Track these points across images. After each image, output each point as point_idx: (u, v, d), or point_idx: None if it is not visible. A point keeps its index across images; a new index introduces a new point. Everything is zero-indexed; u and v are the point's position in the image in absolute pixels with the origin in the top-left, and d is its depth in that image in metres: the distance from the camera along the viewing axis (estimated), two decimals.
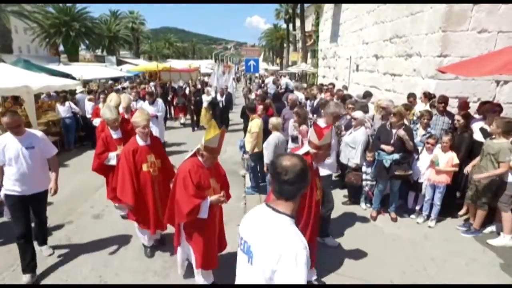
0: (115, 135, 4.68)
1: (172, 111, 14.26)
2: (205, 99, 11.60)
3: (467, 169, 4.71)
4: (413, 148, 4.77)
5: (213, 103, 11.52)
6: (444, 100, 5.73)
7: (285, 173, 1.53)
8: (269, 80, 17.75)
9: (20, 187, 3.52)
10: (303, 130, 5.58)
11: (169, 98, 13.32)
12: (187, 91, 13.21)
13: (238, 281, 1.72)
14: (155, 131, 7.67)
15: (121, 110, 6.05)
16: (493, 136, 4.37)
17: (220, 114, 11.56)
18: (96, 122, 6.45)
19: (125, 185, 3.73)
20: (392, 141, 4.70)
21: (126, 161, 3.75)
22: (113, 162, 4.52)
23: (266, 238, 1.50)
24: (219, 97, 11.67)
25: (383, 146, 4.75)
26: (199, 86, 14.50)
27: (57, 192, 3.79)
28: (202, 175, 3.14)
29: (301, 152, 3.03)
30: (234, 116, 12.18)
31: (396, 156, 4.67)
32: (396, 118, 4.66)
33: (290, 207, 1.58)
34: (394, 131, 4.71)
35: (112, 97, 5.75)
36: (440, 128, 5.56)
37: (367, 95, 7.97)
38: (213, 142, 3.06)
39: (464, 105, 5.87)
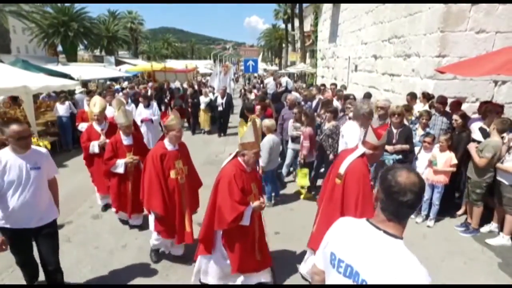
0: (126, 141, 4.46)
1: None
2: (203, 100, 11.21)
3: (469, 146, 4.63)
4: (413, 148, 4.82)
5: (211, 106, 11.09)
6: (443, 100, 5.76)
7: (403, 193, 1.33)
8: (269, 80, 17.76)
9: (23, 219, 2.84)
10: (306, 132, 5.57)
11: (166, 100, 12.77)
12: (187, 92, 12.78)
13: None
14: (150, 137, 7.62)
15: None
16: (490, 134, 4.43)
17: (219, 117, 11.11)
18: (82, 127, 6.22)
19: (154, 193, 3.53)
20: (394, 141, 4.72)
21: (154, 166, 3.52)
22: (120, 170, 4.36)
23: (388, 269, 1.32)
24: (219, 99, 10.98)
25: (386, 147, 4.78)
26: (196, 87, 13.91)
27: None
28: (245, 180, 3.03)
29: (357, 154, 2.98)
30: (234, 117, 11.98)
31: (398, 155, 4.70)
32: (399, 118, 4.71)
33: (401, 230, 1.41)
34: (395, 131, 4.75)
35: (96, 101, 5.26)
36: (439, 128, 5.58)
37: (367, 96, 8.00)
38: (248, 137, 2.97)
39: (455, 104, 5.93)
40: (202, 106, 11.15)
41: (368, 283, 1.35)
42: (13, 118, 8.12)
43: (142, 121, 7.58)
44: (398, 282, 1.27)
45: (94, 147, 5.01)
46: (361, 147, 3.02)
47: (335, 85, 10.09)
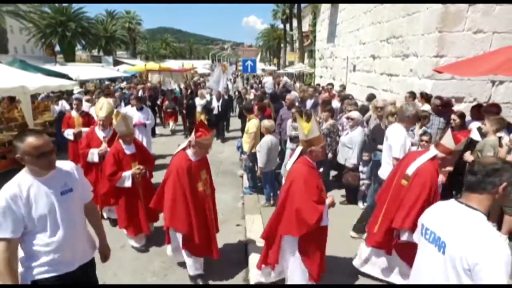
0: (128, 150, 4.08)
1: (162, 116, 12.46)
2: (199, 102, 10.32)
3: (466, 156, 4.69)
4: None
5: (207, 108, 10.21)
6: (445, 101, 5.81)
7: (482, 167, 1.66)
8: (267, 79, 17.73)
9: (60, 263, 2.10)
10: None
11: (158, 102, 11.80)
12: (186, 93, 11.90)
13: (422, 265, 1.83)
14: (144, 142, 6.88)
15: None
16: (485, 134, 4.44)
17: (215, 123, 10.12)
18: (68, 134, 5.94)
19: (178, 211, 3.26)
20: None
21: (180, 181, 3.23)
22: (127, 183, 3.96)
23: (464, 233, 1.59)
24: (214, 102, 10.15)
25: (381, 147, 4.79)
26: (192, 88, 13.20)
27: (108, 258, 2.67)
28: (316, 177, 2.91)
29: (427, 156, 2.93)
30: (234, 120, 11.78)
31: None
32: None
33: (482, 204, 1.66)
34: None
35: (103, 104, 4.72)
36: (437, 127, 5.61)
37: (371, 97, 7.97)
38: (314, 131, 2.85)
39: (447, 103, 6.01)
40: (199, 109, 10.29)
41: (447, 244, 1.63)
42: (21, 123, 8.09)
43: (134, 125, 6.70)
44: (477, 246, 1.51)
45: (94, 155, 4.57)
46: (433, 149, 2.95)
47: (332, 85, 10.05)
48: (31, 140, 1.93)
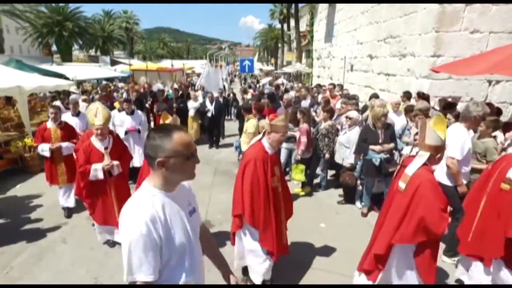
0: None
1: (151, 120, 10.44)
2: (192, 105, 9.23)
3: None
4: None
5: (200, 112, 9.30)
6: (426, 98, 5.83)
7: None
8: (265, 81, 17.67)
9: None
10: (303, 129, 5.60)
11: (147, 105, 10.17)
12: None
13: None
14: (137, 150, 6.17)
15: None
16: (479, 135, 4.45)
17: (209, 128, 9.29)
18: (43, 150, 4.85)
19: (258, 207, 3.01)
20: (380, 141, 4.84)
21: (257, 174, 2.98)
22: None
23: None
24: (208, 105, 9.11)
25: (373, 147, 4.84)
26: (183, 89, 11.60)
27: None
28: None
29: None
30: (229, 124, 11.16)
31: (386, 154, 4.81)
32: (385, 119, 4.86)
33: None
34: (379, 131, 4.86)
35: (98, 109, 3.89)
36: None
37: (374, 96, 7.93)
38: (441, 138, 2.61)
39: (444, 103, 6.02)
40: (191, 113, 9.17)
41: None
42: (17, 123, 7.97)
43: (126, 132, 6.17)
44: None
45: (98, 171, 3.81)
46: None
47: (334, 85, 9.80)
48: (181, 136, 1.47)
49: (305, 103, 8.42)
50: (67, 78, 11.50)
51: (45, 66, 14.44)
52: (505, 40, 6.81)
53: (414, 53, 7.94)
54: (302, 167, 5.61)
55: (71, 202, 5.11)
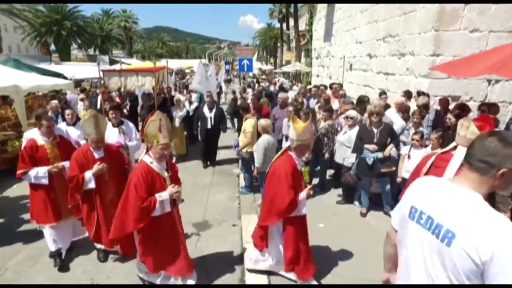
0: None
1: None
2: (178, 114, 7.69)
3: None
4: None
5: (187, 120, 7.85)
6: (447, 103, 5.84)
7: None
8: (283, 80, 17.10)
9: None
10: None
11: (125, 111, 8.66)
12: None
13: (414, 256, 1.51)
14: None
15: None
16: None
17: (206, 141, 7.37)
18: (38, 176, 3.62)
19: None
20: (375, 140, 4.81)
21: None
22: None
23: (472, 221, 1.31)
24: (206, 112, 7.25)
25: (367, 146, 4.82)
26: (166, 94, 9.14)
27: None
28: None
29: None
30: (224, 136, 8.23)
31: (379, 154, 4.77)
32: (378, 117, 4.81)
33: (480, 187, 1.39)
34: (375, 130, 4.84)
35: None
36: (426, 125, 5.60)
37: (382, 94, 7.83)
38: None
39: (444, 102, 5.99)
40: (177, 123, 7.65)
41: (456, 235, 1.31)
42: (14, 123, 7.92)
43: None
44: (492, 234, 1.24)
45: (165, 203, 3.00)
46: None
47: (340, 84, 9.55)
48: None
49: (312, 103, 8.38)
50: (65, 78, 11.44)
51: (44, 66, 14.36)
52: (504, 39, 6.78)
53: (413, 52, 7.91)
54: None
55: (68, 243, 4.02)
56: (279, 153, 3.35)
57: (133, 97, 9.28)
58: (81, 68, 17.06)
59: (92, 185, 3.46)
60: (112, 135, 4.84)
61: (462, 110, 5.58)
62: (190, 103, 8.95)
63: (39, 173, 3.61)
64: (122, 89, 8.83)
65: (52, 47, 33.48)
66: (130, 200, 2.92)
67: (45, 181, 3.64)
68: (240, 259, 4.00)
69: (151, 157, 3.01)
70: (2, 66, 9.10)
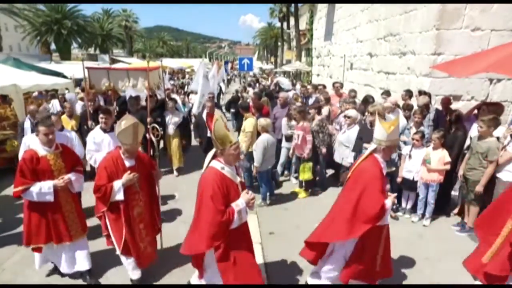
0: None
1: None
2: (172, 121, 6.78)
3: (460, 173, 4.73)
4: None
5: (183, 127, 7.02)
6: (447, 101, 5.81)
7: None
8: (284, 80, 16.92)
9: None
10: (308, 127, 5.53)
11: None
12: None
13: None
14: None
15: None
16: (480, 135, 4.38)
17: (207, 148, 6.06)
18: (41, 193, 3.11)
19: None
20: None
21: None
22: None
23: None
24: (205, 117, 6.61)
25: (366, 145, 4.77)
26: (159, 97, 8.00)
27: None
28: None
29: None
30: None
31: None
32: (374, 117, 4.73)
33: None
34: (373, 129, 4.76)
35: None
36: (427, 125, 5.57)
37: (385, 93, 7.81)
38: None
39: (445, 101, 5.95)
40: (171, 131, 6.80)
41: None
42: (14, 122, 7.87)
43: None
44: None
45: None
46: None
47: (340, 83, 9.51)
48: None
49: (310, 102, 8.35)
50: (65, 77, 11.42)
51: (44, 65, 14.35)
52: (506, 37, 6.73)
53: (414, 51, 7.86)
54: (310, 164, 5.53)
55: (87, 263, 3.54)
56: (364, 155, 3.07)
57: (120, 100, 8.24)
58: (81, 67, 16.99)
59: (120, 196, 3.13)
60: (105, 142, 4.41)
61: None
62: (183, 104, 8.26)
63: (43, 188, 3.09)
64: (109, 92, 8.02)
65: (53, 46, 33.50)
66: (204, 215, 2.57)
67: (50, 197, 3.12)
68: None
69: (221, 162, 2.67)
70: (2, 65, 9.10)
